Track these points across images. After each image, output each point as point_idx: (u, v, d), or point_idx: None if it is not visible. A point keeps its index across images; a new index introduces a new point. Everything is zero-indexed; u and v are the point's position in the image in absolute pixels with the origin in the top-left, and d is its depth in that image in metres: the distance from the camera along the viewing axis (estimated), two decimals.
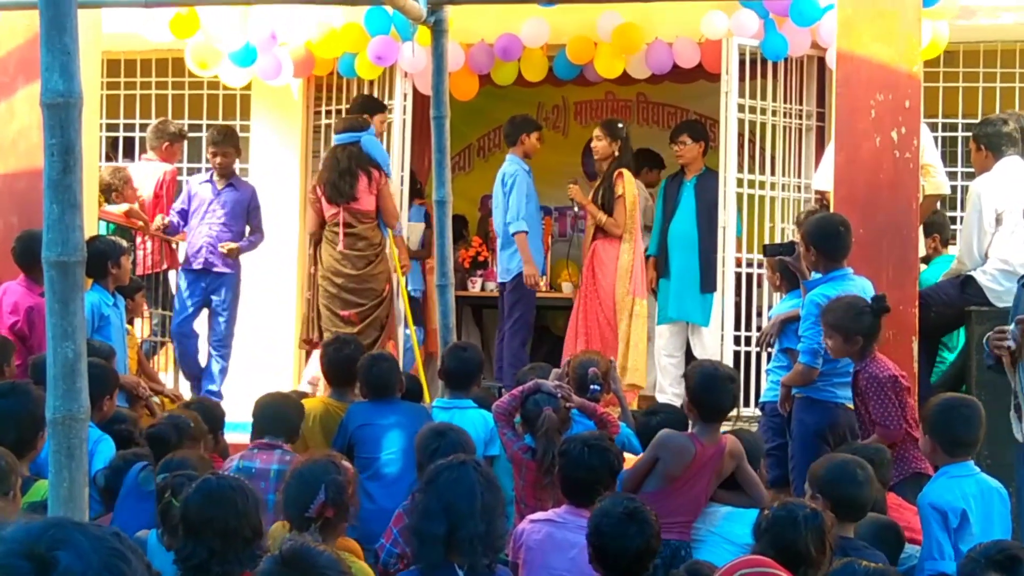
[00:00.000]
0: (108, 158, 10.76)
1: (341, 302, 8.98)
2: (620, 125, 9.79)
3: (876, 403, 6.12)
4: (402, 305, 9.34)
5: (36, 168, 7.90)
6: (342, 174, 8.97)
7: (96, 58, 8.58)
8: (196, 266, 9.42)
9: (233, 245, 9.44)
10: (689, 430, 5.64)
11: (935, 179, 8.53)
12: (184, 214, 9.57)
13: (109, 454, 5.69)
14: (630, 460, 5.64)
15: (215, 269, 9.44)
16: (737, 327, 9.47)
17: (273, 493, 5.32)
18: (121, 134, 11.05)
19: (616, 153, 9.55)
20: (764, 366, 9.18)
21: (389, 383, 6.33)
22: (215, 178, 9.57)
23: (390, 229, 9.07)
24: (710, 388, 5.46)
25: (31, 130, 8.05)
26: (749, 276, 9.57)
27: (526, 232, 9.42)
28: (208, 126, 10.91)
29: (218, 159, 9.54)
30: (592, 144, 9.73)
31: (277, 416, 5.96)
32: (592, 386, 6.19)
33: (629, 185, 9.45)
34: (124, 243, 8.16)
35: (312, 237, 9.33)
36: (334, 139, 9.29)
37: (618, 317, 9.33)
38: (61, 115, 3.73)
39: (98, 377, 5.09)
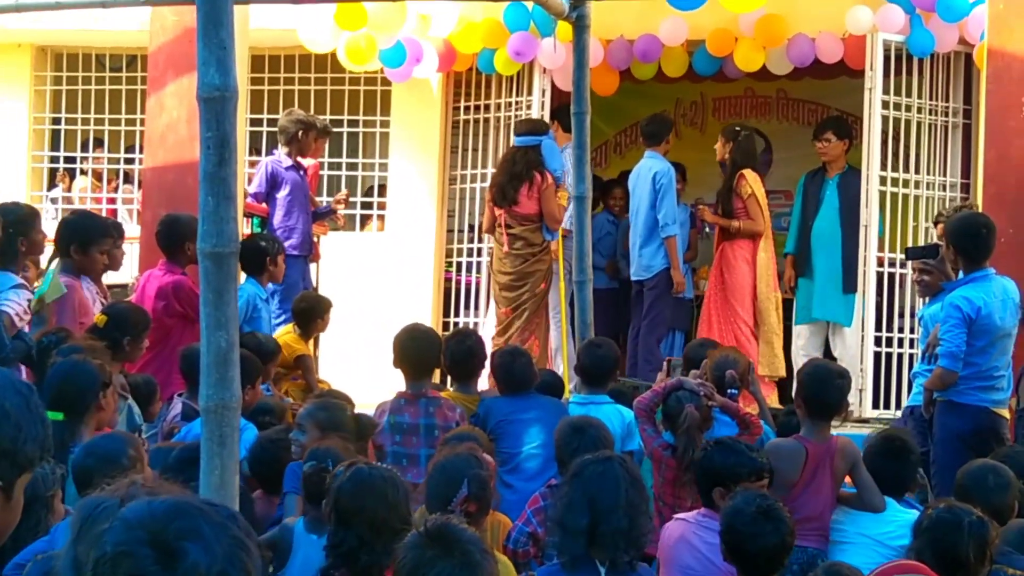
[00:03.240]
0: (252, 153, 10.94)
1: (502, 299, 9.16)
2: (738, 128, 9.72)
3: None
4: (559, 303, 9.39)
5: (184, 161, 8.15)
6: (511, 178, 9.10)
7: (244, 53, 8.72)
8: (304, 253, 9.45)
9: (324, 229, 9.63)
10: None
11: None
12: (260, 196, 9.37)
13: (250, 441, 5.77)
14: None
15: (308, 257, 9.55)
16: (879, 328, 9.31)
17: (424, 448, 5.49)
18: (265, 129, 11.22)
19: (728, 155, 9.45)
20: (907, 368, 9.03)
21: (527, 378, 6.34)
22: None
23: (559, 231, 9.16)
24: (819, 385, 5.45)
25: (180, 124, 8.23)
26: (891, 276, 9.40)
27: (676, 236, 9.39)
28: (349, 121, 11.07)
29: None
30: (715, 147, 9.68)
31: (419, 355, 6.20)
32: (730, 390, 6.13)
33: (755, 184, 9.38)
34: (280, 242, 8.29)
35: (487, 234, 9.59)
36: (514, 140, 9.36)
37: (764, 315, 9.24)
38: (217, 109, 3.80)
39: (243, 366, 5.16)
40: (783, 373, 9.33)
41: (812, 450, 5.28)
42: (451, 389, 6.91)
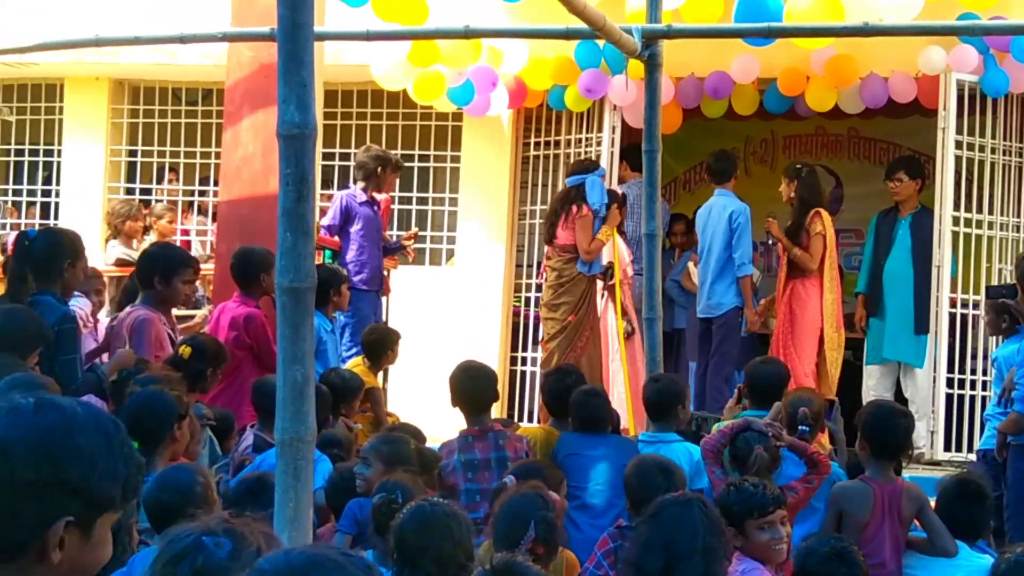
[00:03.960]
0: (324, 187, 11.05)
1: (545, 332, 9.30)
2: (799, 166, 9.70)
3: None
4: (615, 342, 9.39)
5: (259, 195, 8.24)
6: (548, 216, 9.43)
7: (319, 89, 8.83)
8: (375, 287, 9.54)
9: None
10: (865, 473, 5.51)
11: None
12: (333, 229, 9.46)
13: (326, 474, 5.81)
14: None
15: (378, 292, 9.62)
16: (951, 369, 9.23)
17: (497, 481, 5.46)
18: (337, 163, 11.34)
19: (795, 193, 9.42)
20: (979, 410, 8.94)
21: (600, 417, 6.33)
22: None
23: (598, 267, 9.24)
24: (881, 424, 5.44)
25: (255, 158, 8.32)
26: (964, 317, 9.32)
27: (751, 276, 9.38)
28: (420, 156, 11.16)
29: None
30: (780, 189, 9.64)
31: (477, 392, 6.25)
32: (801, 427, 6.08)
33: (828, 226, 9.33)
34: (344, 272, 8.37)
35: None
36: (566, 182, 9.49)
37: (830, 355, 9.18)
38: (296, 146, 3.84)
39: (317, 400, 5.20)
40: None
41: (878, 491, 5.24)
42: (547, 424, 6.91)
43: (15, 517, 1.92)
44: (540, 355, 10.02)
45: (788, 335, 9.30)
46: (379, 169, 9.39)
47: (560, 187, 10.37)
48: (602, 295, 9.76)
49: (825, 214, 9.38)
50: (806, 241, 9.29)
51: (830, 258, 9.32)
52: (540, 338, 9.83)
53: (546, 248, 9.49)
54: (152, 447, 4.85)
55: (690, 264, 10.39)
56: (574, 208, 9.21)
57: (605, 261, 9.49)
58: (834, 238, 9.41)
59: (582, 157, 10.04)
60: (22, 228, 12.45)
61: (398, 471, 5.25)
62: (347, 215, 9.31)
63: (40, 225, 12.02)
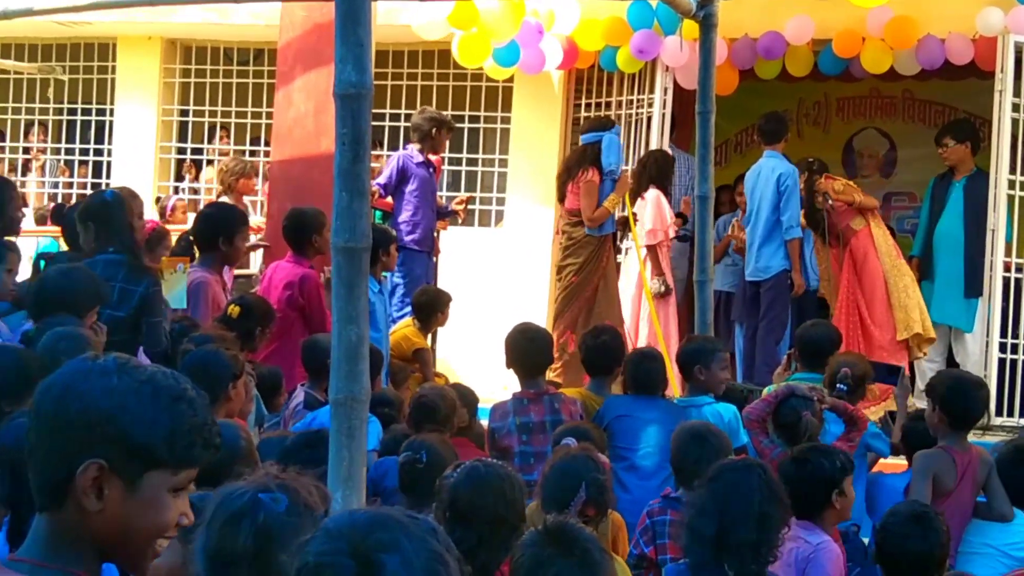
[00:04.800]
0: (376, 147, 11.06)
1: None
2: (810, 160, 9.72)
3: None
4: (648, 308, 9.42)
5: (310, 154, 8.26)
6: (559, 176, 9.48)
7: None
8: (427, 248, 9.56)
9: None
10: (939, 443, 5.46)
11: None
12: (388, 188, 9.47)
13: (375, 433, 5.83)
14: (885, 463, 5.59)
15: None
16: (1004, 334, 9.15)
17: (551, 445, 5.45)
18: (387, 124, 11.34)
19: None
20: None
21: (653, 381, 6.31)
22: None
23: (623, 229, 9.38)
24: (961, 395, 5.40)
25: (307, 118, 8.33)
26: (1018, 281, 9.22)
27: (801, 239, 9.31)
28: (469, 117, 11.14)
29: None
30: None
31: (534, 354, 6.25)
32: (839, 385, 6.09)
33: (832, 181, 9.48)
34: (393, 232, 8.37)
35: None
36: (580, 139, 9.44)
37: (893, 283, 9.16)
38: (353, 106, 3.85)
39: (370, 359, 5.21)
40: (919, 330, 9.13)
41: (960, 459, 5.22)
42: (585, 387, 6.90)
43: (46, 455, 1.95)
44: None
45: (851, 296, 9.24)
46: (434, 131, 9.39)
47: None
48: (625, 253, 9.79)
49: (829, 176, 9.54)
50: (825, 203, 9.32)
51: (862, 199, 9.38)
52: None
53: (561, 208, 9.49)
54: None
55: (735, 223, 10.26)
56: (581, 173, 9.19)
57: (619, 217, 9.52)
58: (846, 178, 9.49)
59: (599, 118, 9.93)
60: (74, 187, 12.57)
61: (425, 430, 5.28)
62: (403, 175, 9.33)
63: (92, 184, 12.11)
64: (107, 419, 1.93)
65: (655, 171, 9.50)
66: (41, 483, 1.97)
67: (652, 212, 9.45)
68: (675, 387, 7.96)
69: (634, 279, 9.63)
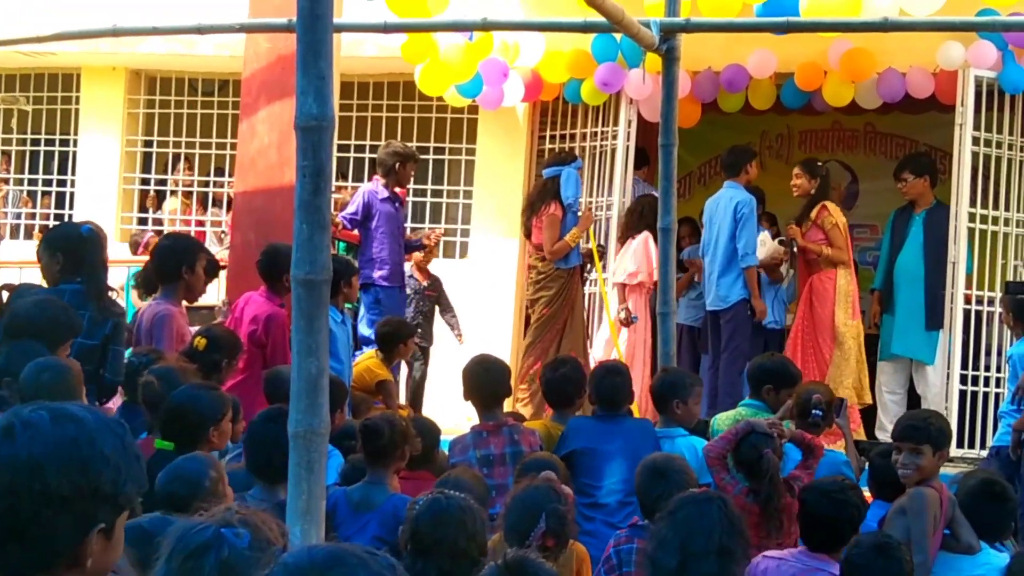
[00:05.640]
0: (339, 179, 11.05)
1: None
2: (820, 164, 9.66)
3: None
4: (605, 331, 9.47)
5: (274, 186, 8.24)
6: (524, 211, 9.63)
7: (336, 80, 8.81)
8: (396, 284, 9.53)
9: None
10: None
11: None
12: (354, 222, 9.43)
13: (335, 467, 5.81)
14: None
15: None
16: (964, 366, 9.21)
17: (512, 476, 5.47)
18: (352, 155, 11.34)
19: (813, 192, 9.39)
20: (993, 407, 8.91)
21: (618, 396, 6.30)
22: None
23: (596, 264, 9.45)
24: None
25: (270, 149, 8.31)
26: (979, 313, 9.29)
27: (755, 266, 9.33)
28: (435, 148, 11.16)
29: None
30: (792, 183, 9.56)
31: (492, 386, 6.22)
32: (814, 411, 6.11)
33: (837, 214, 9.34)
34: (356, 264, 8.35)
35: None
36: (543, 173, 9.57)
37: (840, 341, 9.14)
38: (314, 138, 3.83)
39: (329, 391, 5.19)
40: (868, 400, 9.22)
41: (941, 494, 5.22)
42: (548, 419, 6.87)
43: (53, 530, 1.95)
44: None
45: (808, 329, 9.26)
46: (397, 165, 9.38)
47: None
48: (590, 284, 9.87)
49: (832, 205, 9.37)
50: (818, 236, 9.26)
51: (845, 246, 9.33)
52: None
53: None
54: (188, 448, 4.75)
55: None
56: (541, 207, 9.35)
57: (584, 250, 9.63)
58: (847, 224, 9.39)
59: (561, 151, 10.04)
60: (36, 217, 12.50)
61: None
62: (367, 211, 9.31)
63: (55, 216, 12.05)
64: (109, 485, 1.98)
65: (650, 215, 9.46)
66: (38, 555, 1.97)
67: (640, 254, 9.54)
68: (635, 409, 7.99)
69: (612, 310, 9.74)
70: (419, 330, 9.73)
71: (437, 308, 10.09)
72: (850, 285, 9.29)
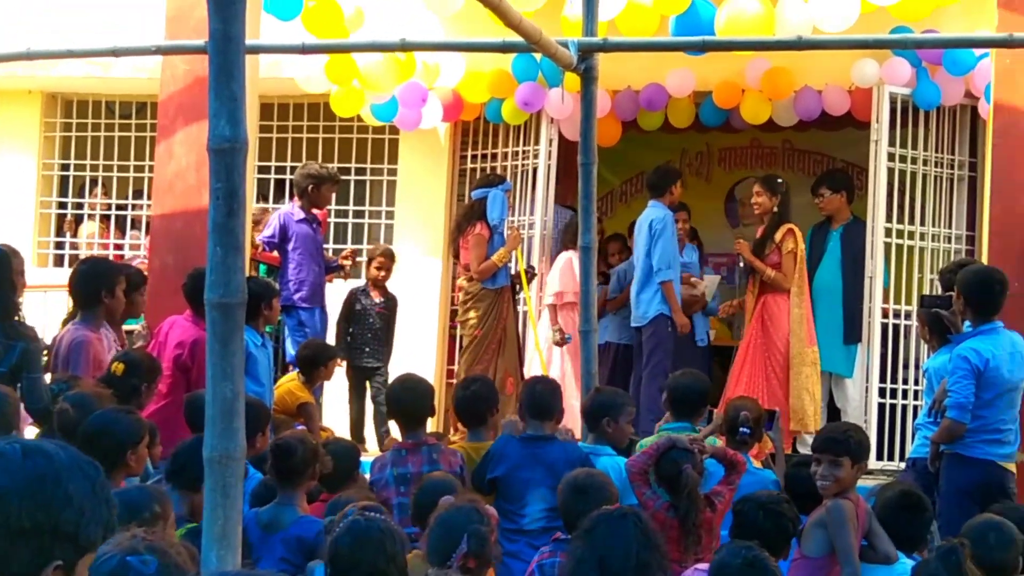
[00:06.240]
0: (260, 200, 10.97)
1: None
2: (780, 180, 9.62)
3: None
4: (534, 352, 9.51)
5: (192, 208, 8.17)
6: (451, 232, 9.83)
7: (254, 103, 8.76)
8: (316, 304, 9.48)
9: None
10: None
11: None
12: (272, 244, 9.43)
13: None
14: None
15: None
16: (883, 379, 9.32)
17: None
18: (272, 176, 11.27)
19: (775, 209, 9.42)
20: (911, 419, 9.02)
21: (548, 408, 6.26)
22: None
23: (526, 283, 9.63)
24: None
25: (188, 172, 8.26)
26: (896, 327, 9.41)
27: (672, 281, 9.36)
28: (356, 169, 11.11)
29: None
30: (752, 200, 9.57)
31: (413, 405, 6.26)
32: (742, 428, 6.17)
33: (799, 241, 9.32)
34: (276, 286, 8.30)
35: None
36: (472, 195, 9.62)
37: (795, 369, 9.19)
38: (227, 160, 3.80)
39: (251, 415, 5.15)
40: (813, 429, 9.19)
41: (859, 506, 5.27)
42: (461, 439, 6.88)
43: (7, 562, 1.96)
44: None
45: (759, 348, 9.28)
46: (310, 187, 9.33)
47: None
48: (523, 303, 9.89)
49: (797, 230, 9.36)
50: (775, 256, 9.29)
51: (799, 274, 9.29)
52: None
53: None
54: (106, 471, 4.73)
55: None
56: (467, 227, 9.48)
57: (514, 271, 9.66)
58: (804, 253, 9.38)
59: (491, 173, 10.15)
60: None
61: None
62: (283, 233, 9.27)
63: None
64: (70, 525, 1.99)
65: (571, 235, 9.52)
66: None
67: (567, 274, 9.61)
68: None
69: (544, 329, 9.78)
70: (367, 349, 9.70)
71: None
72: (804, 311, 9.31)
